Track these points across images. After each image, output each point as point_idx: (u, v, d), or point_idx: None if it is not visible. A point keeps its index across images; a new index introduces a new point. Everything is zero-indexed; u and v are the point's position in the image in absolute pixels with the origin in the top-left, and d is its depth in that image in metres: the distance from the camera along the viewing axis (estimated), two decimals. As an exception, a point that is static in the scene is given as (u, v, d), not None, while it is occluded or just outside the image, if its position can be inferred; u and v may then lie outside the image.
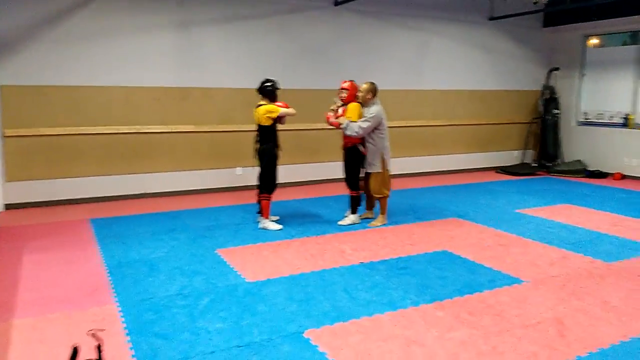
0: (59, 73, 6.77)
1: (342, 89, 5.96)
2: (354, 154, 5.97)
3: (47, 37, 6.66)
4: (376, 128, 5.82)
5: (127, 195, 7.33)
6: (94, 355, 2.74)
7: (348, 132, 5.78)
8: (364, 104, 5.87)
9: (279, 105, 5.74)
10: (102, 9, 6.89)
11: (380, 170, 5.92)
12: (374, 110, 5.78)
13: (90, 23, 6.85)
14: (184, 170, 7.67)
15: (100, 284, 4.16)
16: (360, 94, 5.86)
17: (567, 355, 3.07)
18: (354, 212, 6.12)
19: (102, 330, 2.93)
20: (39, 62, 6.65)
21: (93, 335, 2.62)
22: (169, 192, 7.59)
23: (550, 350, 3.14)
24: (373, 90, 5.86)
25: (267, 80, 5.78)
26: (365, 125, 5.72)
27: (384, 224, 6.03)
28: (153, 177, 7.47)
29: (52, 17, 6.67)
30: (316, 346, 3.15)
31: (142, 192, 7.43)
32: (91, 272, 4.43)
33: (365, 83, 5.89)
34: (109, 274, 4.36)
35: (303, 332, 3.32)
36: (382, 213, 6.10)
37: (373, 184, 5.97)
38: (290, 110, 5.80)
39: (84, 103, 6.95)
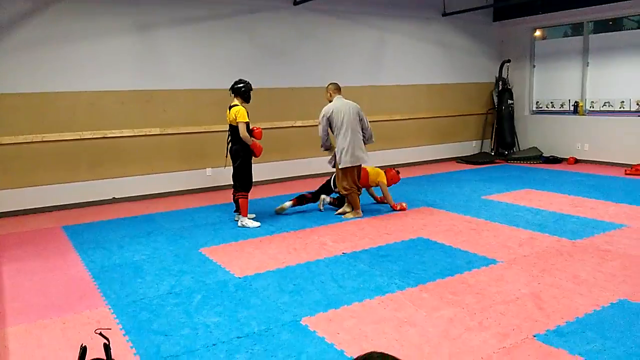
0: (18, 80, 6.62)
1: None
2: None
3: (4, 44, 6.50)
4: (331, 126, 6.07)
5: (96, 201, 7.23)
6: (100, 355, 2.77)
7: (322, 148, 6.24)
8: (329, 102, 6.19)
9: (253, 129, 5.86)
10: (60, 13, 6.78)
11: (339, 167, 6.10)
12: (323, 110, 6.11)
13: (49, 28, 6.73)
14: (153, 174, 7.63)
15: (88, 289, 4.14)
16: (326, 94, 6.25)
17: (548, 326, 3.30)
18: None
19: (108, 329, 2.95)
20: (-2, 69, 6.50)
21: (100, 334, 2.64)
22: (140, 195, 7.53)
23: (531, 322, 3.36)
24: (332, 89, 6.18)
25: (240, 81, 5.85)
26: (319, 128, 6.11)
27: (358, 217, 6.17)
28: (122, 181, 7.40)
29: (9, 23, 6.52)
30: (314, 332, 3.27)
31: (112, 197, 7.35)
32: (75, 278, 4.40)
33: (329, 84, 6.27)
34: (94, 279, 4.34)
35: (300, 320, 3.43)
36: (355, 208, 6.22)
37: (337, 181, 6.22)
38: (247, 140, 5.76)
39: (46, 110, 6.82)
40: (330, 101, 6.14)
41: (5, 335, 3.34)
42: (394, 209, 6.41)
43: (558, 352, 2.97)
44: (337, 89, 6.18)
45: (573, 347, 3.01)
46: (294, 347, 3.08)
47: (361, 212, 6.24)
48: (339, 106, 6.03)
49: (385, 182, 6.52)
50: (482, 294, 3.82)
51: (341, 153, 6.01)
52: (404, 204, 6.48)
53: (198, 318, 3.51)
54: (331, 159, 6.22)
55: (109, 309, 3.73)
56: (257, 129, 5.91)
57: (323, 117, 6.05)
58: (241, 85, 5.81)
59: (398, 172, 6.77)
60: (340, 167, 6.07)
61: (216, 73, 7.88)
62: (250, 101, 5.92)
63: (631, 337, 3.12)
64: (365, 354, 1.44)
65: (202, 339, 3.22)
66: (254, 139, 5.83)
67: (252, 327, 3.37)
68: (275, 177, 8.64)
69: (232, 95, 5.85)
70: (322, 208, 6.52)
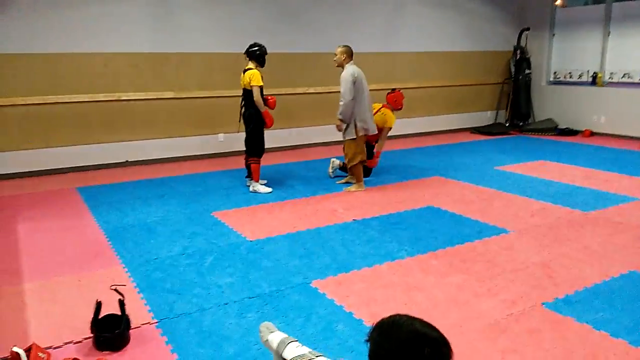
0: (33, 40, 6.61)
1: None
2: None
3: (18, 4, 6.48)
4: None
5: (109, 164, 7.29)
6: (115, 311, 2.84)
7: (341, 117, 5.70)
8: (340, 66, 5.78)
9: (268, 98, 5.77)
10: (76, -27, 6.72)
11: (354, 137, 5.78)
12: (344, 73, 5.65)
13: (64, -12, 6.69)
14: (166, 138, 7.65)
15: (102, 248, 4.22)
16: (335, 57, 5.77)
17: (556, 294, 3.32)
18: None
19: (123, 285, 3.02)
20: (12, 30, 6.47)
21: (115, 289, 2.71)
22: (152, 159, 7.58)
23: (540, 289, 3.38)
24: (348, 52, 5.73)
25: (255, 45, 5.79)
26: (342, 101, 5.61)
27: (360, 190, 5.93)
28: (135, 145, 7.44)
29: (24, -18, 6.48)
30: (324, 294, 3.32)
31: (125, 160, 7.40)
32: (90, 237, 4.48)
33: (339, 46, 5.79)
34: (108, 239, 4.42)
35: (310, 283, 3.48)
36: (358, 181, 5.97)
37: (347, 150, 5.86)
38: (260, 106, 5.67)
39: (60, 71, 6.83)
40: (341, 66, 5.76)
41: (22, 291, 3.43)
42: (372, 160, 6.31)
43: (565, 319, 2.99)
44: (351, 53, 5.76)
45: (581, 315, 3.03)
46: (304, 308, 3.14)
47: (364, 185, 6.02)
48: (360, 72, 5.69)
49: (391, 127, 6.43)
50: (492, 262, 3.84)
51: (361, 121, 5.72)
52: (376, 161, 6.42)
53: (210, 278, 3.58)
54: (345, 127, 5.79)
55: (123, 267, 3.80)
56: (271, 98, 5.86)
57: (350, 80, 5.55)
58: (256, 48, 5.75)
59: (394, 90, 6.54)
60: (359, 135, 5.76)
61: (230, 36, 7.80)
62: (265, 65, 5.87)
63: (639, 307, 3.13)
64: (389, 317, 1.37)
65: (214, 298, 3.28)
66: (267, 107, 5.80)
67: (263, 288, 3.42)
68: (288, 144, 8.63)
69: (247, 58, 5.80)
70: (331, 174, 6.51)
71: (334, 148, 7.66)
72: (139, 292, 3.38)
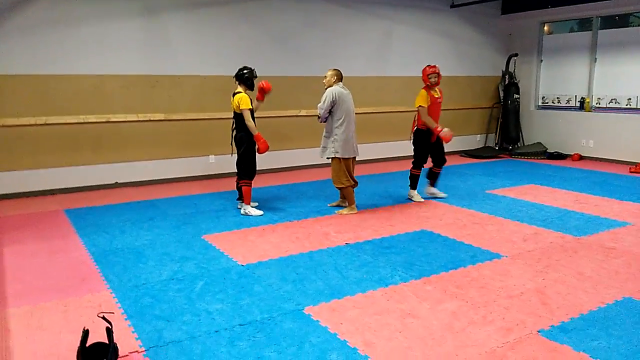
0: (24, 61, 6.58)
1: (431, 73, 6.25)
2: (419, 135, 6.44)
3: (9, 25, 6.45)
4: (331, 110, 5.75)
5: (98, 185, 7.21)
6: (101, 339, 2.76)
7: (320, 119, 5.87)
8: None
9: (261, 85, 5.80)
10: (68, -6, 6.72)
11: (333, 156, 5.80)
12: (328, 89, 5.76)
13: (54, 9, 6.67)
14: (157, 159, 7.59)
15: (89, 272, 4.13)
16: (325, 79, 5.87)
17: (551, 322, 3.28)
18: (413, 187, 6.60)
19: (111, 313, 2.94)
20: (1, 50, 6.44)
21: (103, 317, 2.63)
22: (142, 181, 7.51)
23: (535, 317, 3.34)
24: (337, 75, 5.85)
25: (244, 68, 5.81)
26: (320, 105, 5.78)
27: (353, 212, 5.91)
28: (125, 166, 7.37)
29: (14, 3, 6.46)
30: (317, 321, 3.25)
31: (115, 181, 7.33)
32: (77, 261, 4.38)
33: (330, 69, 5.92)
34: (96, 263, 4.33)
35: (302, 309, 3.42)
36: (350, 203, 5.95)
37: (331, 171, 5.91)
38: (252, 130, 5.68)
39: (50, 92, 6.78)
40: (331, 87, 5.80)
41: (7, 317, 3.33)
42: (438, 133, 6.27)
43: (562, 348, 2.95)
44: (340, 76, 5.86)
45: (577, 343, 2.99)
46: (297, 336, 3.07)
47: (356, 208, 6.01)
48: (344, 93, 5.77)
49: (425, 105, 6.24)
50: (486, 288, 3.80)
51: (342, 142, 5.75)
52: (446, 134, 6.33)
53: (200, 304, 3.50)
54: (325, 149, 5.85)
55: (111, 293, 3.71)
56: (264, 84, 5.83)
57: (329, 98, 5.67)
58: (245, 72, 5.76)
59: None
60: (338, 156, 5.77)
61: (221, 59, 7.83)
62: (254, 89, 5.87)
63: (636, 335, 3.10)
64: None
65: (204, 325, 3.20)
66: (262, 93, 5.80)
67: (255, 314, 3.35)
68: (279, 166, 8.60)
69: (236, 82, 5.81)
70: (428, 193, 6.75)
71: (326, 170, 7.61)
72: (126, 319, 3.29)
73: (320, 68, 8.58)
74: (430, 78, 6.28)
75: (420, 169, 6.58)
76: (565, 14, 9.94)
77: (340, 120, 5.74)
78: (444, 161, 6.62)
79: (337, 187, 5.96)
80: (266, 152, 5.87)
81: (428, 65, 6.42)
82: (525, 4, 10.35)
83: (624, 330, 3.15)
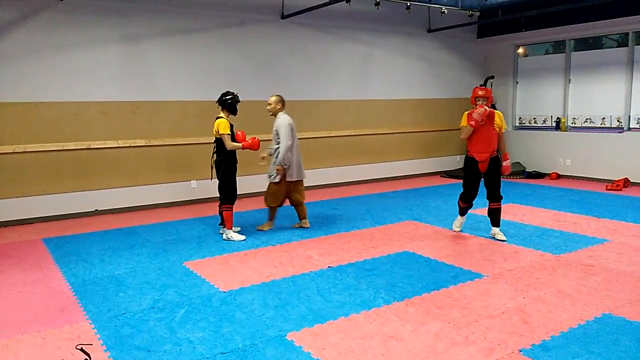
0: (2, 89, 6.53)
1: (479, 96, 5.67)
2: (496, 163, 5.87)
3: (-11, 53, 6.43)
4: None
5: (79, 213, 7.13)
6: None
7: (283, 163, 5.88)
8: (274, 114, 6.04)
9: (237, 134, 5.80)
10: (45, 23, 6.72)
11: (277, 181, 5.98)
12: (280, 120, 5.91)
13: (33, 38, 6.66)
14: (138, 186, 7.54)
15: (68, 302, 4.06)
16: (269, 107, 6.01)
17: (533, 340, 3.30)
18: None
19: (89, 345, 2.89)
20: (-19, 78, 6.41)
21: (82, 349, 2.59)
22: (123, 208, 7.45)
23: (517, 336, 3.36)
24: (281, 101, 6.05)
25: (227, 93, 5.83)
26: (281, 146, 5.85)
27: (270, 228, 6.24)
28: (105, 193, 7.31)
29: (-7, 32, 6.45)
30: (300, 347, 3.23)
31: (94, 209, 7.25)
32: (55, 291, 4.31)
33: (273, 95, 6.06)
34: (74, 293, 4.26)
35: (285, 335, 3.39)
36: (269, 219, 6.25)
37: (266, 192, 6.14)
38: (235, 145, 5.72)
39: (29, 120, 6.73)
40: (275, 114, 6.02)
41: (-18, 351, 3.26)
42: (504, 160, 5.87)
43: (544, 367, 2.97)
44: (284, 102, 6.07)
45: (558, 362, 3.02)
46: (280, 363, 3.04)
47: (273, 225, 6.28)
48: (292, 121, 6.00)
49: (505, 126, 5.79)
50: (468, 308, 3.82)
51: (292, 166, 5.96)
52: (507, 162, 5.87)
53: (181, 333, 3.46)
54: (275, 172, 5.96)
55: (90, 323, 3.65)
56: (240, 133, 5.84)
57: (287, 125, 5.88)
58: (228, 97, 5.79)
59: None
60: (287, 180, 5.98)
61: (202, 85, 7.87)
62: (237, 113, 5.90)
63: (616, 351, 3.13)
64: None
65: (185, 354, 3.16)
66: (241, 143, 5.75)
67: (237, 342, 3.32)
68: (261, 190, 8.56)
69: (219, 107, 5.83)
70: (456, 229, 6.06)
71: (311, 192, 7.61)
72: (106, 350, 3.23)
73: (301, 92, 8.69)
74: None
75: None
76: (539, 37, 10.21)
77: (295, 145, 5.98)
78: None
79: (268, 205, 6.18)
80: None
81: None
82: (500, 28, 10.61)
83: (604, 347, 3.18)
